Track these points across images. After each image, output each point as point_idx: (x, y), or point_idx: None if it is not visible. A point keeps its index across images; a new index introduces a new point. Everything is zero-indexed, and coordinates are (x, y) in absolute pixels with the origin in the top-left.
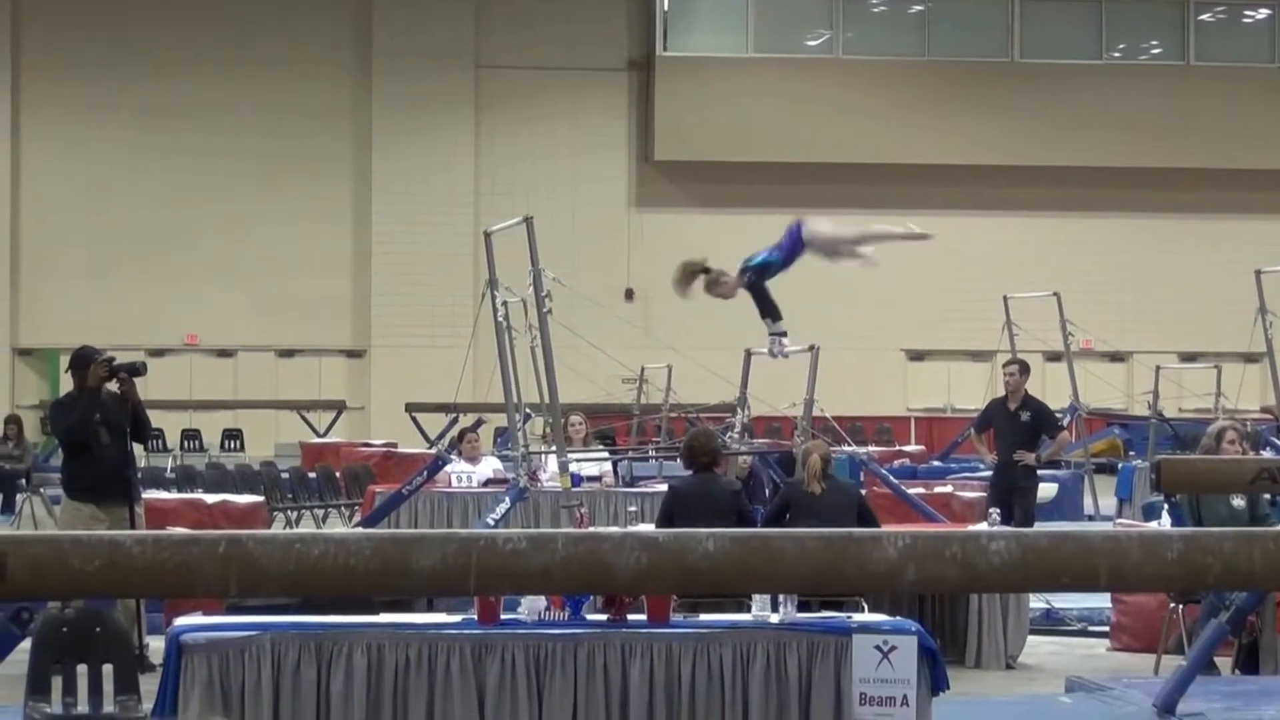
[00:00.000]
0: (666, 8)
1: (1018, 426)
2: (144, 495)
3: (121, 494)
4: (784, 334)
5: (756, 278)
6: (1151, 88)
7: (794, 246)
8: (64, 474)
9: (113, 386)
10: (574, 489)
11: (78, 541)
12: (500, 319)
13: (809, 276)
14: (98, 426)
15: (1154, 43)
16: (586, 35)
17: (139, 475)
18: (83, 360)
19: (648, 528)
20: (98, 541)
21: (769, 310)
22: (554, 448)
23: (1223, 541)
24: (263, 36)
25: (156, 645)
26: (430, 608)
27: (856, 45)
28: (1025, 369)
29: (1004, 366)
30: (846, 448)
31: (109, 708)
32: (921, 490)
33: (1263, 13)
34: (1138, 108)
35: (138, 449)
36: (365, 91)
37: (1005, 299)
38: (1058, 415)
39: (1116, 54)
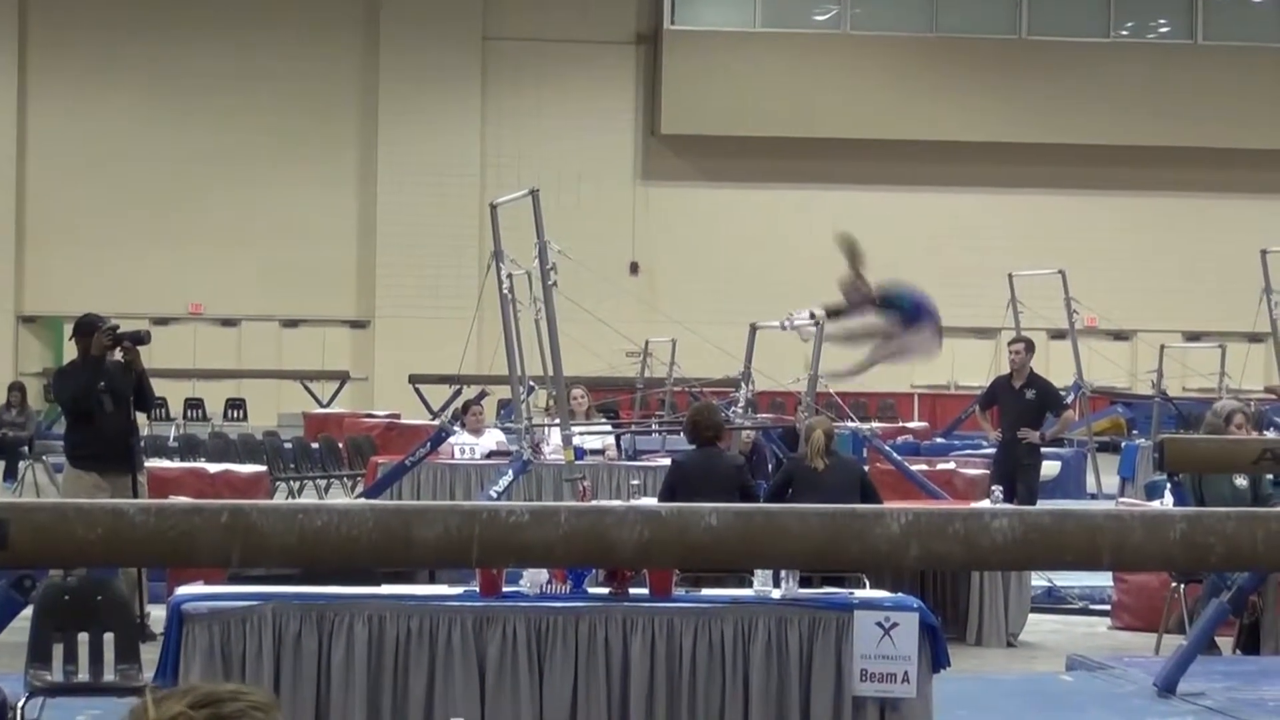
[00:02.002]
0: None
1: (1022, 404)
2: (147, 464)
3: (124, 462)
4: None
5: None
6: (1159, 66)
7: None
8: (67, 442)
9: (117, 355)
10: (577, 462)
11: (81, 510)
12: (505, 291)
13: (813, 251)
14: (101, 395)
15: (1162, 21)
16: (594, 8)
17: (142, 444)
18: (86, 327)
19: (650, 501)
20: (100, 510)
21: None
22: (557, 421)
23: (1226, 522)
24: (270, 4)
25: (158, 614)
26: (432, 579)
27: (864, 21)
28: (1031, 347)
29: (1009, 344)
30: (850, 423)
31: (110, 676)
32: (924, 467)
33: None
34: (1145, 86)
35: (141, 418)
36: (372, 61)
37: (1010, 276)
38: (1062, 393)
39: (1124, 32)
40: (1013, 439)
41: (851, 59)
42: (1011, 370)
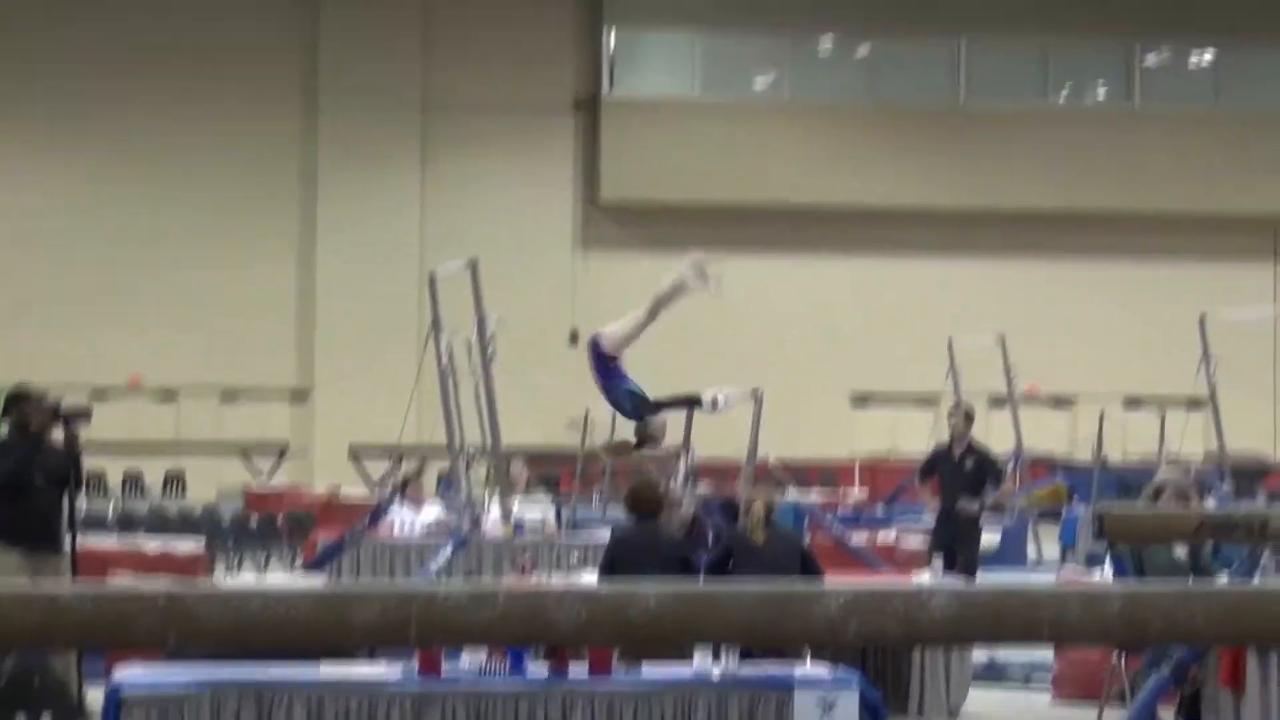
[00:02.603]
0: (613, 49)
1: (961, 474)
2: (84, 539)
3: (52, 542)
4: (712, 399)
5: (644, 407)
6: (1097, 131)
7: (607, 364)
8: None
9: (57, 432)
10: (516, 536)
11: (15, 594)
12: (444, 363)
13: (752, 320)
14: (34, 472)
15: (1099, 83)
16: (533, 76)
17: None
18: (17, 399)
19: (591, 574)
20: (35, 595)
21: (681, 403)
22: (497, 493)
23: (1164, 597)
24: (208, 77)
25: (95, 693)
26: (372, 656)
27: (804, 88)
28: (969, 416)
29: (949, 414)
30: (790, 494)
31: None
32: (865, 537)
33: (1207, 55)
34: (1084, 151)
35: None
36: (311, 131)
37: (949, 343)
38: (1001, 463)
39: (1062, 98)
40: (952, 509)
41: (792, 126)
42: (951, 439)
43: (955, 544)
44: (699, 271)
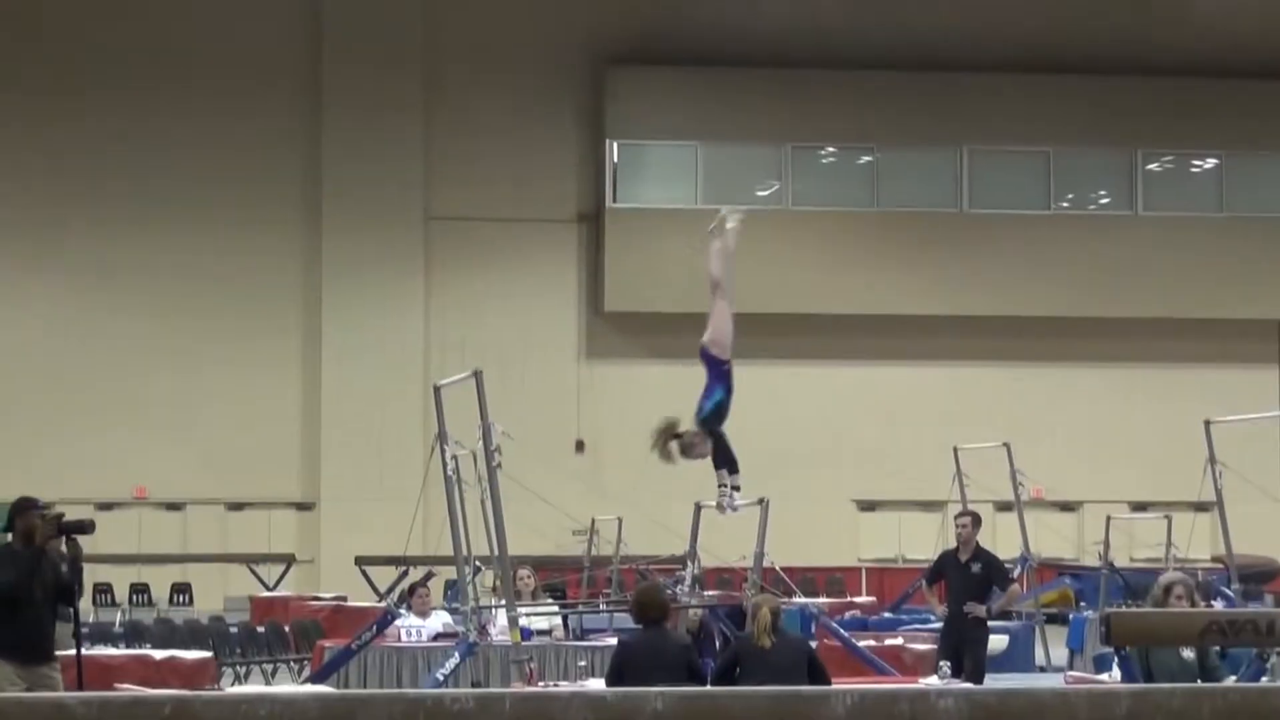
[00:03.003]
0: (616, 159)
1: (968, 578)
2: (92, 650)
3: (45, 656)
4: (737, 488)
5: (716, 423)
6: (1100, 238)
7: (719, 367)
8: None
9: (61, 545)
10: (524, 643)
11: (22, 704)
12: (450, 473)
13: (758, 427)
14: (34, 585)
15: (1102, 193)
16: (536, 187)
17: (84, 631)
18: (21, 510)
19: (598, 682)
20: (41, 702)
21: (726, 460)
22: (503, 601)
23: (1171, 699)
24: (211, 191)
25: None
26: None
27: (806, 196)
28: (977, 521)
29: (956, 518)
30: (797, 600)
31: None
32: (872, 642)
33: (1210, 162)
34: (1087, 258)
35: (84, 602)
36: (315, 245)
37: (955, 449)
38: (1008, 566)
39: (1065, 204)
40: (959, 613)
41: (794, 234)
42: (958, 544)
43: (962, 649)
44: (720, 221)
